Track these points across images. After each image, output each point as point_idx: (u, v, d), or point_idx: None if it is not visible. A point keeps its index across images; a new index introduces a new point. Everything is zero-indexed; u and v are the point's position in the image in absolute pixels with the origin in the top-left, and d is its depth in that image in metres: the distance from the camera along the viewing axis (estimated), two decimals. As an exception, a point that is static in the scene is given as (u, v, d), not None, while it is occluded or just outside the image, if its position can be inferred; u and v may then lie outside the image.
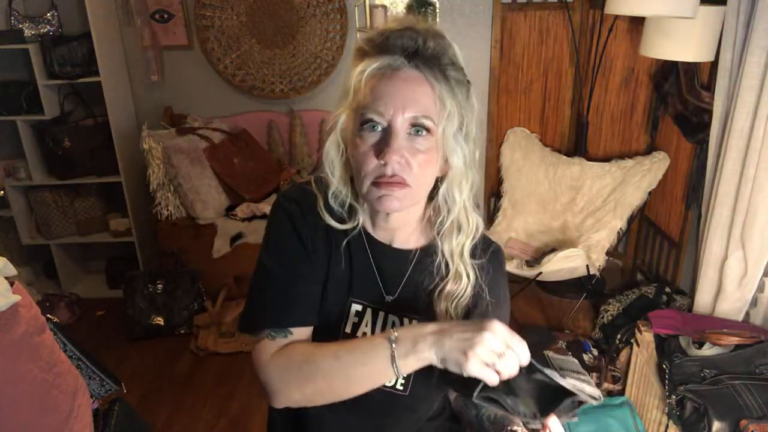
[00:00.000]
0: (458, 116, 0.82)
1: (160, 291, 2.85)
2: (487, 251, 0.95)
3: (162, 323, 2.83)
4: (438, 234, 0.92)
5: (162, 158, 2.84)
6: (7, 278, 1.24)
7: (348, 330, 0.92)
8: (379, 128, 0.80)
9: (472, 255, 0.93)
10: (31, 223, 3.16)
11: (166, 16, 3.07)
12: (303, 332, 0.88)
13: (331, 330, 0.91)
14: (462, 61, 0.83)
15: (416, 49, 0.79)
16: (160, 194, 2.89)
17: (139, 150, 2.88)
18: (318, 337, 0.90)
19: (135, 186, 3.10)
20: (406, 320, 0.93)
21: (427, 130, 0.80)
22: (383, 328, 0.93)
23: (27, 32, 2.86)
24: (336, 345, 0.82)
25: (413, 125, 0.80)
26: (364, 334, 0.92)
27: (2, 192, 3.07)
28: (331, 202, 0.90)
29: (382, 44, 0.80)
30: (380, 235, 0.94)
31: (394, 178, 0.80)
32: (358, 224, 0.90)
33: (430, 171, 0.84)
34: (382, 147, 0.79)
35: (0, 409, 1.15)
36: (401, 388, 0.92)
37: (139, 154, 2.90)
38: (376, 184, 0.81)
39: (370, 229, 0.93)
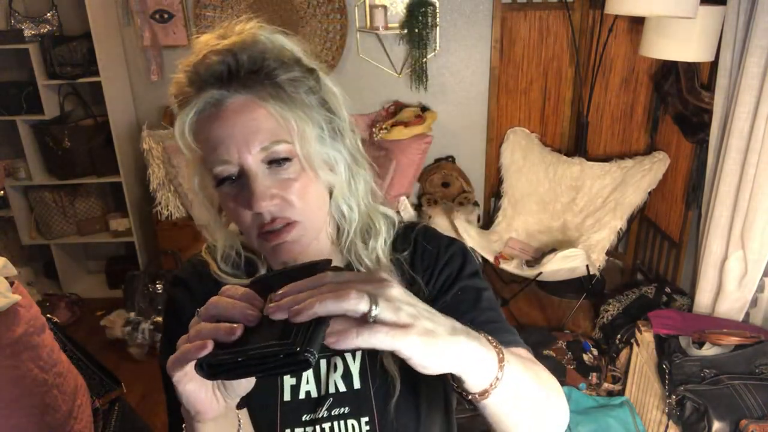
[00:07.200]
0: (311, 121, 0.70)
1: (160, 291, 2.85)
2: (409, 236, 0.83)
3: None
4: (347, 251, 0.80)
5: (162, 158, 2.84)
6: (7, 278, 1.24)
7: (288, 397, 0.77)
8: (235, 176, 0.69)
9: (396, 249, 0.81)
10: (31, 223, 3.16)
11: (166, 16, 3.07)
12: None
13: (268, 405, 0.76)
14: (296, 49, 0.71)
15: (229, 71, 0.67)
16: (160, 194, 2.89)
17: (139, 150, 2.89)
18: (256, 414, 0.71)
19: (135, 186, 3.10)
20: (348, 355, 0.79)
21: (287, 158, 0.69)
22: (331, 372, 0.78)
23: (27, 32, 2.86)
24: None
25: (268, 158, 0.68)
26: (307, 392, 0.77)
27: (2, 192, 3.07)
28: (223, 266, 0.79)
29: (192, 80, 0.68)
30: None
31: (275, 223, 0.69)
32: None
33: (314, 195, 0.72)
34: (246, 197, 0.68)
35: (0, 408, 1.15)
36: None
37: (139, 154, 2.90)
38: (262, 235, 0.71)
39: None
